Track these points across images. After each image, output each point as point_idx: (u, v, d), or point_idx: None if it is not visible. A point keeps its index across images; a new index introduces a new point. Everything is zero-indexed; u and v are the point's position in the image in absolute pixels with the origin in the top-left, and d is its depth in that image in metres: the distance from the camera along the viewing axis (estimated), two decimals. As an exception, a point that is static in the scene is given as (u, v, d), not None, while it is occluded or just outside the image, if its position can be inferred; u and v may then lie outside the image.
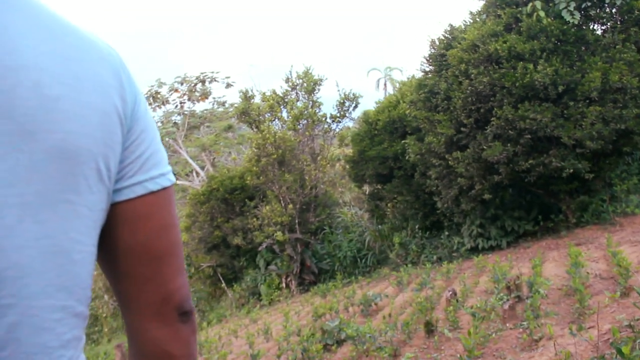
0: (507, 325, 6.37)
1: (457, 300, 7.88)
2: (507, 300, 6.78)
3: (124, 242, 0.90)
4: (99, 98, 0.82)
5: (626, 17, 11.36)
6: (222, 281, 21.49)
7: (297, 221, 18.22)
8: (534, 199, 13.39)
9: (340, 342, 7.85)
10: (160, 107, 27.73)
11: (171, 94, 27.42)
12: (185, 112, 28.68)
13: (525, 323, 5.85)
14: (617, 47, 10.86)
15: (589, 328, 4.83)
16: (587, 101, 10.90)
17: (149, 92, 26.67)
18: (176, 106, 28.21)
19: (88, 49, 0.85)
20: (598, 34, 11.77)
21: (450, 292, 8.05)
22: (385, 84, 41.56)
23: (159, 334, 0.94)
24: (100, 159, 0.82)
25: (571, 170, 11.02)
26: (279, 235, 17.38)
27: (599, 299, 6.03)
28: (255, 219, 18.18)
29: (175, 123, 28.64)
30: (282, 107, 18.67)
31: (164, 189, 0.93)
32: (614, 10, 11.57)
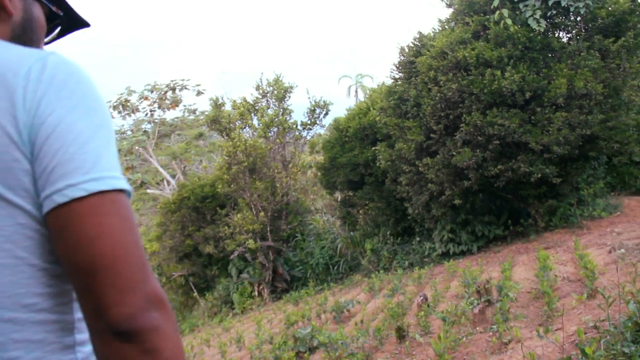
0: (478, 329, 6.42)
1: (428, 305, 7.93)
2: (478, 304, 6.84)
3: (56, 253, 0.92)
4: None
5: (590, 25, 11.56)
6: (194, 290, 21.34)
7: (268, 229, 18.18)
8: (503, 203, 13.53)
9: (312, 350, 7.84)
10: (130, 115, 27.48)
11: (141, 102, 27.20)
12: (156, 120, 28.46)
13: (495, 326, 5.91)
14: (582, 54, 11.04)
15: (556, 330, 4.89)
16: (554, 107, 11.06)
17: (118, 100, 26.43)
18: (146, 114, 27.99)
19: None
20: (563, 42, 11.95)
21: (422, 297, 8.10)
22: (356, 91, 41.77)
23: (103, 350, 0.92)
24: None
25: (539, 175, 11.16)
26: (250, 243, 17.31)
27: (566, 301, 6.12)
28: (226, 227, 18.09)
29: (145, 131, 28.40)
30: (252, 114, 18.64)
31: (80, 199, 0.89)
32: (578, 19, 11.75)
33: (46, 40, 1.31)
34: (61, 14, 1.30)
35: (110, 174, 0.93)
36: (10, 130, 0.89)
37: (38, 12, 1.21)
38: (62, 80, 0.95)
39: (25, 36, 1.16)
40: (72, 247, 0.89)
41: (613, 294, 4.34)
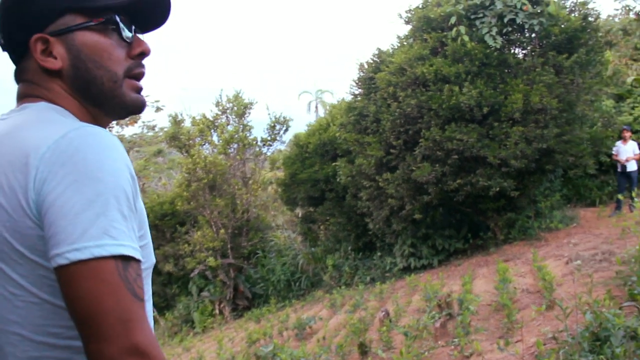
0: (439, 342, 6.43)
1: (390, 320, 7.92)
2: (439, 318, 6.86)
3: None
4: (3, 199, 1.09)
5: (544, 42, 11.81)
6: (154, 309, 20.93)
7: (229, 246, 18.01)
8: (463, 217, 13.65)
9: (274, 368, 7.75)
10: (87, 132, 27.03)
11: (98, 119, 26.79)
12: (114, 137, 28.06)
13: (456, 340, 5.92)
14: (537, 69, 11.25)
15: (516, 342, 4.92)
16: (511, 122, 11.23)
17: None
18: (104, 131, 27.57)
19: (7, 154, 1.12)
20: (519, 58, 12.18)
21: (384, 313, 8.10)
22: (316, 107, 41.92)
23: None
24: (15, 241, 1.09)
25: (497, 189, 11.30)
26: (211, 261, 17.12)
27: (526, 312, 6.18)
28: (186, 245, 17.87)
29: (103, 148, 27.93)
30: (212, 131, 18.49)
31: (64, 266, 1.03)
32: (533, 35, 12.00)
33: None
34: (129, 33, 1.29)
35: (97, 243, 1.04)
36: (24, 204, 1.07)
37: (89, 38, 1.23)
38: (69, 156, 1.06)
39: (84, 83, 1.23)
40: (65, 301, 1.06)
41: (570, 305, 4.39)
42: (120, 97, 1.26)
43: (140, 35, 1.32)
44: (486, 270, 10.33)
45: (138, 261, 1.10)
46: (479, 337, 5.85)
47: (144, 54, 1.29)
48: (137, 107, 1.30)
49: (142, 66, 1.30)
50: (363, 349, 6.91)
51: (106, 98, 1.25)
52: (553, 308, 5.86)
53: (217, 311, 18.18)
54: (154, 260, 1.30)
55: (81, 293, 1.03)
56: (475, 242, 13.27)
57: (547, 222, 12.73)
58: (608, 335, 3.58)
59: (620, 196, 12.36)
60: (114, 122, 26.25)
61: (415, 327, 6.76)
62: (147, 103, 1.38)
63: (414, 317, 7.43)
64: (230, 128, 18.40)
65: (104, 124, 1.31)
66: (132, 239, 1.09)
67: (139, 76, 1.30)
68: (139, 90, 1.30)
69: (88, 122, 1.18)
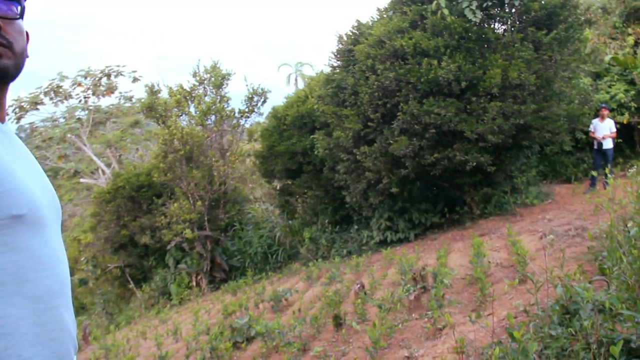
0: (413, 315, 6.49)
1: (365, 293, 7.97)
2: (413, 291, 6.91)
3: None
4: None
5: (524, 17, 11.80)
6: (131, 282, 20.93)
7: (206, 218, 17.96)
8: (440, 191, 13.73)
9: (250, 340, 7.79)
10: (62, 102, 26.64)
11: (74, 88, 26.40)
12: (90, 107, 27.72)
13: (429, 313, 5.98)
14: (516, 45, 11.26)
15: (488, 315, 4.97)
16: (489, 97, 11.26)
17: (49, 86, 25.56)
18: (80, 101, 27.20)
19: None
20: (498, 33, 12.16)
21: (359, 285, 8.14)
22: (296, 79, 41.73)
23: None
24: None
25: (474, 164, 11.36)
26: (188, 233, 17.08)
27: (499, 286, 6.24)
28: (163, 217, 17.78)
29: (79, 119, 27.58)
30: (189, 102, 18.30)
31: None
32: (513, 10, 11.98)
33: None
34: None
35: None
36: None
37: None
38: None
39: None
40: None
41: (542, 279, 4.43)
42: None
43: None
44: (461, 245, 10.41)
45: None
46: (452, 310, 5.91)
47: None
48: None
49: None
50: (338, 321, 6.96)
51: None
52: (526, 282, 5.93)
53: (193, 283, 18.19)
54: (19, 212, 1.34)
55: None
56: (452, 216, 13.37)
57: (523, 197, 12.85)
58: (577, 308, 3.61)
59: (594, 173, 12.45)
60: (91, 93, 25.94)
61: (389, 300, 6.81)
62: (5, 65, 1.42)
63: (389, 290, 7.47)
64: (207, 99, 18.23)
65: None
66: None
67: None
68: None
69: None
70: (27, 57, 1.55)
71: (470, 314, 4.34)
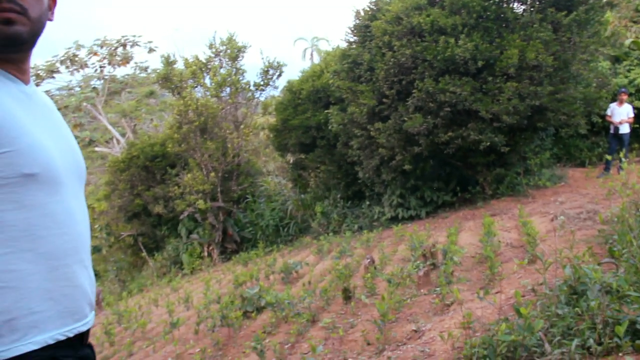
0: (422, 291, 6.57)
1: (375, 268, 8.05)
2: (423, 267, 6.98)
3: None
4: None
5: (544, -3, 11.69)
6: (143, 250, 21.17)
7: (219, 189, 18.08)
8: (452, 170, 13.73)
9: (259, 309, 7.91)
10: (78, 71, 26.72)
11: (90, 57, 26.44)
12: (105, 77, 27.78)
13: (438, 289, 6.05)
14: (535, 26, 11.16)
15: (496, 293, 5.04)
16: (505, 77, 11.21)
17: (65, 55, 25.62)
18: (95, 70, 27.27)
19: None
20: (517, 12, 12.05)
21: (369, 260, 8.22)
22: (312, 54, 41.56)
23: None
24: None
25: (488, 144, 11.34)
26: (200, 204, 17.21)
27: (508, 266, 6.30)
28: (176, 187, 17.92)
29: (94, 88, 27.68)
30: (205, 73, 18.32)
31: None
32: (533, -10, 11.87)
33: None
34: None
35: None
36: None
37: None
38: None
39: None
40: None
41: (551, 260, 4.49)
42: None
43: None
44: (472, 224, 10.46)
45: None
46: (461, 287, 5.98)
47: None
48: (2, 39, 1.42)
49: (1, 1, 1.40)
50: (347, 294, 7.05)
51: None
52: (535, 262, 5.98)
53: (205, 254, 18.38)
54: (31, 170, 1.40)
55: None
56: (464, 195, 13.39)
57: (536, 179, 12.84)
58: (585, 289, 3.67)
59: (609, 157, 12.41)
60: (107, 62, 25.95)
61: (399, 275, 6.88)
62: (18, 32, 1.45)
63: (398, 266, 7.55)
64: (223, 71, 18.24)
65: None
66: None
67: (4, 10, 1.40)
68: (6, 21, 1.41)
69: None
70: (51, 20, 1.59)
71: (479, 291, 4.41)
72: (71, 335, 1.48)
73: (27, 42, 1.49)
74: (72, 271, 1.49)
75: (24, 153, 1.38)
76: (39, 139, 1.44)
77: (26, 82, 1.56)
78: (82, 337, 1.56)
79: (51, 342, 1.41)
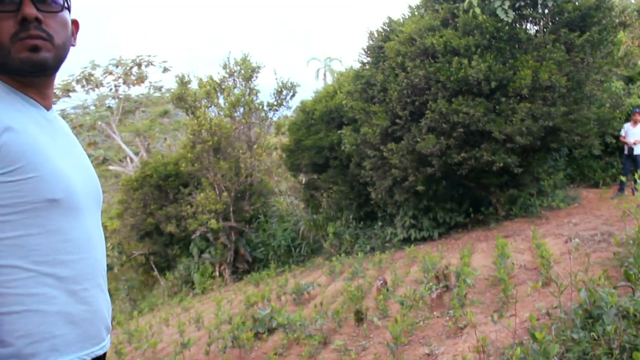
0: (435, 313, 6.51)
1: (387, 290, 8.00)
2: (436, 289, 6.93)
3: None
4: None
5: (557, 19, 11.69)
6: (155, 269, 21.19)
7: (231, 209, 18.11)
8: (465, 191, 13.67)
9: (271, 331, 7.88)
10: (93, 90, 26.96)
11: (105, 77, 26.69)
12: (120, 96, 27.99)
13: (451, 311, 5.99)
14: (548, 46, 11.16)
15: (510, 316, 4.98)
16: (518, 98, 11.18)
17: (81, 74, 25.88)
18: (110, 89, 27.48)
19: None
20: (530, 33, 12.05)
21: (381, 282, 8.17)
22: (325, 74, 41.73)
23: None
24: None
25: (501, 164, 11.30)
26: (213, 223, 17.23)
27: (522, 288, 6.23)
28: (189, 207, 17.97)
29: (109, 107, 27.90)
30: (218, 93, 18.44)
31: None
32: (546, 11, 11.87)
33: None
34: None
35: None
36: None
37: None
38: None
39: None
40: None
41: (566, 282, 4.43)
42: (11, 61, 1.45)
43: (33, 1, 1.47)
44: (485, 245, 10.38)
45: None
46: (474, 310, 5.92)
47: (26, 19, 1.44)
48: (28, 65, 1.47)
49: (29, 29, 1.45)
50: (359, 316, 7.00)
51: (2, 64, 1.46)
52: (549, 285, 5.92)
53: (217, 273, 18.37)
54: (54, 196, 1.43)
55: None
56: (477, 216, 13.32)
57: (549, 200, 12.75)
58: (601, 313, 3.62)
59: (623, 178, 12.31)
60: (121, 82, 26.20)
61: (411, 297, 6.83)
62: (44, 58, 1.49)
63: (411, 288, 7.50)
64: (236, 91, 18.36)
65: (18, 85, 1.51)
66: None
67: (31, 37, 1.46)
68: (33, 48, 1.46)
69: (8, 84, 1.48)
70: (74, 45, 1.63)
71: (492, 314, 4.36)
72: (89, 359, 1.50)
73: (52, 68, 1.54)
74: (91, 295, 1.52)
75: (47, 179, 1.41)
76: (60, 165, 1.47)
77: (48, 107, 1.60)
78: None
79: None
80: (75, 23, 1.65)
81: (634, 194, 10.21)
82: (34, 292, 1.37)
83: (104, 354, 1.61)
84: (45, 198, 1.40)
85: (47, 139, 1.49)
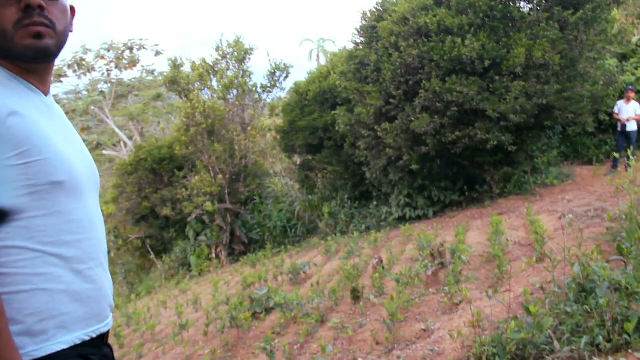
0: (430, 290, 6.57)
1: (383, 268, 8.06)
2: (431, 267, 6.99)
3: None
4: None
5: (550, -4, 11.66)
6: (151, 253, 21.24)
7: (226, 191, 18.13)
8: (460, 170, 13.72)
9: (268, 310, 7.94)
10: (85, 75, 26.81)
11: (97, 61, 26.53)
12: (113, 80, 27.86)
13: (447, 288, 6.06)
14: (541, 24, 11.14)
15: (505, 291, 5.04)
16: (512, 76, 11.19)
17: (73, 59, 25.72)
18: (103, 74, 27.35)
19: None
20: (524, 12, 12.02)
21: (377, 260, 8.23)
22: (318, 55, 41.59)
23: None
24: None
25: (495, 143, 11.33)
26: (208, 206, 17.25)
27: (516, 264, 6.30)
28: (184, 190, 17.98)
29: (102, 91, 27.78)
30: (212, 76, 18.37)
31: None
32: (539, -11, 11.85)
33: None
34: None
35: None
36: None
37: None
38: None
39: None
40: None
41: (560, 258, 4.49)
42: (15, 48, 1.47)
43: None
44: (480, 223, 10.45)
45: None
46: (469, 286, 5.99)
47: (29, 6, 1.46)
48: (32, 52, 1.49)
49: (32, 16, 1.47)
50: (355, 294, 7.06)
51: (4, 51, 1.47)
52: (543, 260, 5.98)
53: (213, 255, 18.42)
54: (59, 178, 1.46)
55: None
56: (471, 194, 13.38)
57: (543, 178, 12.82)
58: (594, 286, 3.68)
59: (616, 155, 12.37)
60: (114, 66, 26.03)
61: (407, 275, 6.89)
62: (47, 45, 1.51)
63: (406, 265, 7.56)
64: (230, 73, 18.29)
65: (19, 71, 1.53)
66: None
67: (35, 24, 1.48)
68: (37, 35, 1.48)
69: (9, 70, 1.50)
70: (72, 31, 1.65)
71: (487, 289, 4.42)
72: (94, 335, 1.55)
73: (54, 54, 1.56)
74: (96, 274, 1.56)
75: (52, 161, 1.44)
76: (63, 149, 1.50)
77: (46, 93, 1.63)
78: (103, 337, 1.62)
79: (78, 342, 1.48)
80: (72, 9, 1.67)
81: (627, 171, 10.27)
82: (41, 271, 1.41)
83: (108, 331, 1.65)
84: (50, 180, 1.43)
85: (48, 123, 1.52)
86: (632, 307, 3.41)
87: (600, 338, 3.22)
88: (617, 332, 3.22)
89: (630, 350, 3.12)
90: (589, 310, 3.49)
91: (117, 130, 26.71)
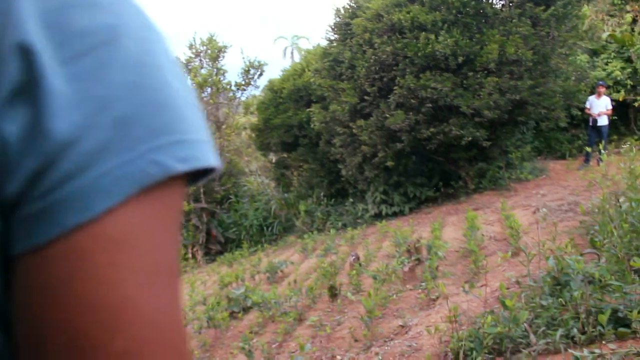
0: (407, 286, 6.60)
1: (360, 265, 8.07)
2: (408, 263, 7.02)
3: None
4: None
5: (522, -8, 11.77)
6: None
7: (202, 190, 18.01)
8: (435, 166, 13.77)
9: (246, 310, 7.90)
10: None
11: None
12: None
13: (423, 284, 6.09)
14: (514, 21, 11.24)
15: (481, 286, 5.08)
16: (485, 72, 11.27)
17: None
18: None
19: None
20: (496, 8, 12.11)
21: (354, 257, 8.24)
22: (292, 53, 41.53)
23: None
24: None
25: (470, 138, 11.41)
26: (184, 205, 17.11)
27: (492, 259, 6.35)
28: (159, 188, 17.81)
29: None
30: (185, 74, 18.22)
31: None
32: (511, -15, 11.95)
33: None
34: None
35: None
36: None
37: None
38: None
39: None
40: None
41: (534, 252, 4.53)
42: None
43: None
44: (456, 219, 10.51)
45: None
46: (446, 281, 6.02)
47: None
48: None
49: None
50: (333, 292, 7.07)
51: None
52: (518, 255, 6.04)
53: (190, 255, 18.29)
54: None
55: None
56: (446, 190, 13.44)
57: (518, 173, 12.93)
58: (568, 280, 3.72)
59: (588, 149, 12.56)
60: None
61: (384, 271, 6.91)
62: None
63: (383, 262, 7.57)
64: (203, 72, 18.17)
65: None
66: None
67: None
68: None
69: None
70: None
71: (464, 284, 4.45)
72: None
73: None
74: None
75: None
76: None
77: None
78: None
79: None
80: None
81: (599, 165, 10.41)
82: None
83: None
84: None
85: None
86: (605, 299, 3.45)
87: (575, 330, 3.26)
88: (591, 324, 3.26)
89: (604, 342, 3.16)
90: (564, 303, 3.53)
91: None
